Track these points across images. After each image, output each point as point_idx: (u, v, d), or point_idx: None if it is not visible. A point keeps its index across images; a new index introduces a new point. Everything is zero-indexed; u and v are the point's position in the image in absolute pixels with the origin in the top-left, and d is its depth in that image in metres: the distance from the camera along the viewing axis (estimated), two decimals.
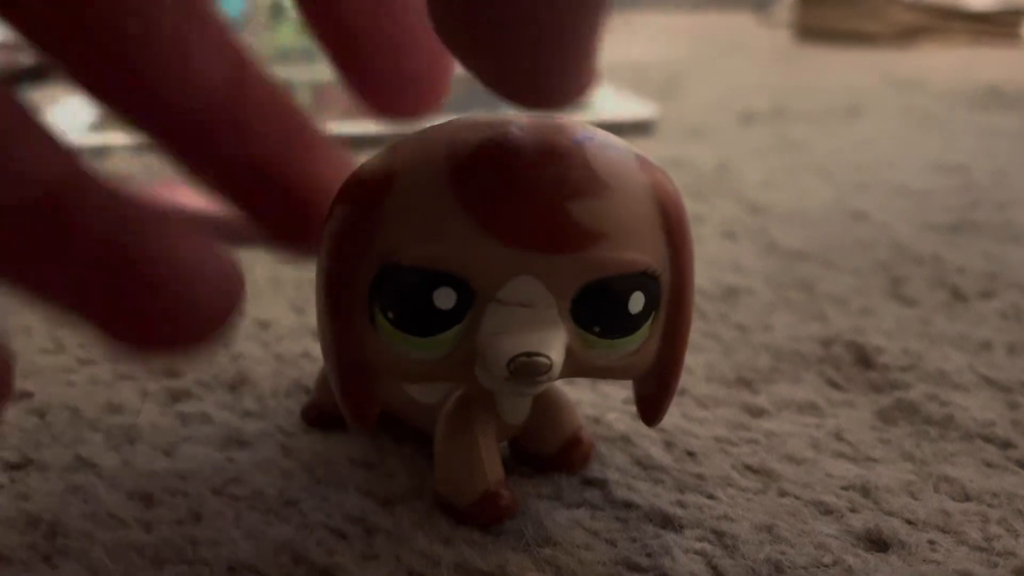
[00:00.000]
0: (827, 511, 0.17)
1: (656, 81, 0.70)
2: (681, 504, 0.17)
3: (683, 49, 0.95)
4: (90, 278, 0.11)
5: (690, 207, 0.15)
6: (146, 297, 0.11)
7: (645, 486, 0.17)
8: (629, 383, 0.16)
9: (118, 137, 0.42)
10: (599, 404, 0.21)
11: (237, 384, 0.21)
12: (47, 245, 0.11)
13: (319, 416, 0.20)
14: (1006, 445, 0.19)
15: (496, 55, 0.11)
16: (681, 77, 0.73)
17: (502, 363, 0.13)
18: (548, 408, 0.17)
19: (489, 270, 0.13)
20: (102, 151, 0.41)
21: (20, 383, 0.21)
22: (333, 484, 0.17)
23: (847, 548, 0.16)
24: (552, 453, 0.18)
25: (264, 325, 0.25)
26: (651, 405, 0.16)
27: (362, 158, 0.14)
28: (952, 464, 0.18)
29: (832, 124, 0.55)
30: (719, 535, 0.16)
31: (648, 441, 0.19)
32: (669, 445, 0.19)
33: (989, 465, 0.18)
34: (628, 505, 0.17)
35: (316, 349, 0.23)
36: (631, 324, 0.14)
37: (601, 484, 0.17)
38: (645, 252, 0.14)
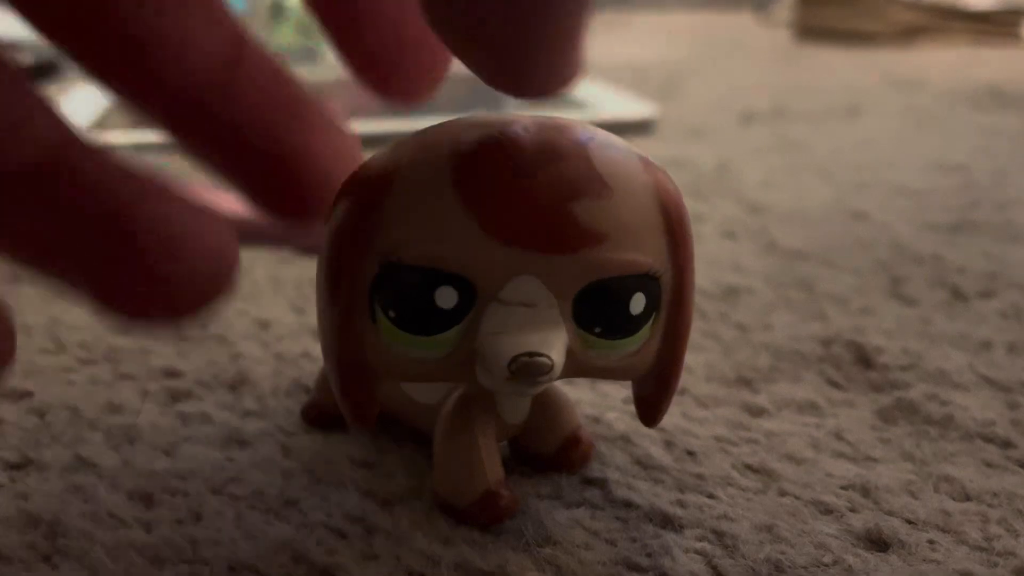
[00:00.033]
0: (827, 511, 0.17)
1: (656, 81, 0.70)
2: (681, 504, 0.17)
3: (683, 49, 0.95)
4: (84, 245, 0.11)
5: (690, 207, 0.15)
6: (140, 263, 0.11)
7: (645, 486, 0.17)
8: (629, 382, 0.16)
9: (118, 135, 0.42)
10: (599, 403, 0.21)
11: (237, 384, 0.21)
12: (41, 211, 0.11)
13: (319, 416, 0.20)
14: (1006, 445, 0.19)
15: (484, 45, 0.11)
16: (681, 77, 0.73)
17: (503, 363, 0.13)
18: (548, 408, 0.17)
19: (490, 270, 0.13)
20: None
21: (20, 383, 0.21)
22: (333, 484, 0.17)
23: (847, 548, 0.16)
24: (552, 453, 0.18)
25: (264, 325, 0.25)
26: (651, 405, 0.16)
27: (364, 157, 0.14)
28: (952, 464, 0.18)
29: (832, 124, 0.55)
30: (719, 535, 0.16)
31: (648, 441, 0.19)
32: (669, 445, 0.19)
33: (989, 465, 0.18)
34: (628, 505, 0.17)
35: (316, 349, 0.23)
36: (632, 325, 0.14)
37: (601, 484, 0.17)
38: (646, 253, 0.14)
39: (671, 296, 0.15)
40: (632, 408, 0.16)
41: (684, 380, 0.21)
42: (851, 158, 0.46)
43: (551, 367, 0.13)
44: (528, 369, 0.13)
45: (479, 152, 0.13)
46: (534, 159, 0.13)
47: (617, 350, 0.14)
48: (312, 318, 0.25)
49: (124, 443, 0.19)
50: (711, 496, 0.17)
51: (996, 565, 0.15)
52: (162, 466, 0.18)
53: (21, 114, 0.11)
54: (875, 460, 0.18)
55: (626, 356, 0.15)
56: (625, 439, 0.19)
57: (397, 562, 0.15)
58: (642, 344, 0.15)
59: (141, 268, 0.11)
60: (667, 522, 0.16)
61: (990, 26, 0.95)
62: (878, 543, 0.16)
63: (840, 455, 0.19)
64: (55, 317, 0.25)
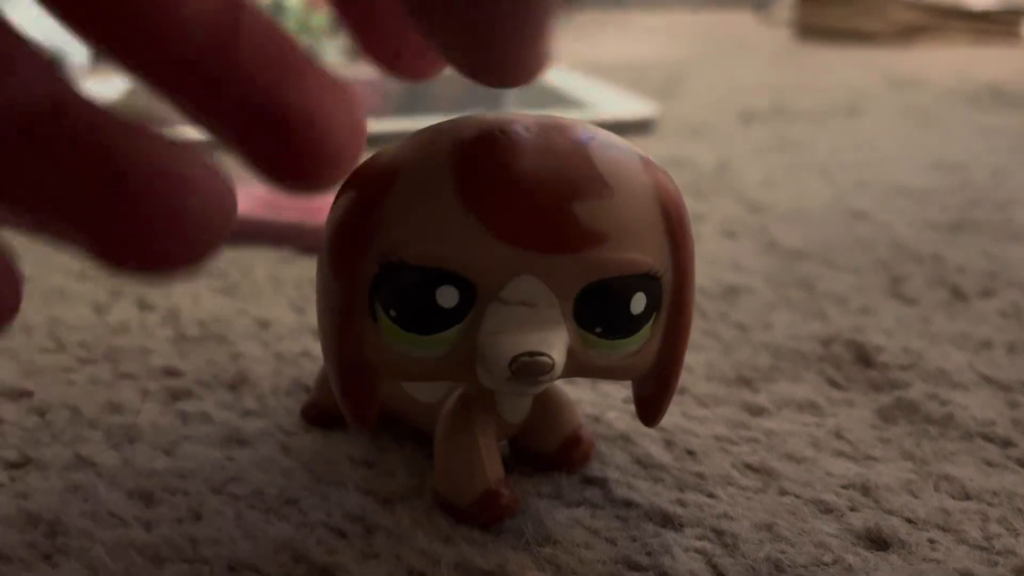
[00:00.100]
0: (827, 510, 0.17)
1: (656, 80, 0.70)
2: (681, 503, 0.17)
3: (683, 48, 0.95)
4: (79, 193, 0.11)
5: (690, 206, 0.15)
6: (136, 209, 0.11)
7: (645, 485, 0.17)
8: (629, 382, 0.16)
9: None
10: (599, 403, 0.21)
11: (237, 383, 0.21)
12: (33, 160, 0.11)
13: (319, 415, 0.20)
14: (1006, 444, 0.19)
15: (453, 33, 0.11)
16: (681, 76, 0.73)
17: (503, 362, 0.13)
18: (548, 407, 0.17)
19: (491, 269, 0.13)
20: None
21: (20, 382, 0.21)
22: (333, 483, 0.17)
23: (847, 547, 0.16)
24: (552, 452, 0.18)
25: (264, 324, 0.25)
26: (651, 405, 0.16)
27: (365, 156, 0.14)
28: (952, 463, 0.18)
29: (832, 123, 0.55)
30: (719, 534, 0.16)
31: (648, 440, 0.19)
32: (669, 444, 0.19)
33: (989, 464, 0.18)
34: (628, 504, 0.17)
35: (316, 348, 0.23)
36: (632, 325, 0.14)
37: (601, 483, 0.17)
38: (647, 253, 0.14)
39: (671, 296, 0.15)
40: (632, 407, 0.16)
41: (684, 379, 0.21)
42: (851, 158, 0.46)
43: (551, 367, 0.13)
44: (528, 369, 0.13)
45: (480, 152, 0.13)
46: (535, 159, 0.13)
47: (618, 350, 0.14)
48: (312, 318, 0.25)
49: (124, 442, 0.19)
50: (711, 495, 0.17)
51: (996, 564, 0.15)
52: (162, 465, 0.18)
53: (14, 65, 0.11)
54: (875, 459, 0.18)
55: (626, 356, 0.15)
56: (625, 438, 0.19)
57: (397, 561, 0.15)
58: (642, 344, 0.15)
59: (138, 214, 0.11)
60: (667, 521, 0.16)
61: (990, 25, 0.95)
62: (878, 542, 0.16)
63: (840, 454, 0.19)
64: (55, 317, 0.25)
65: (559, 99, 0.54)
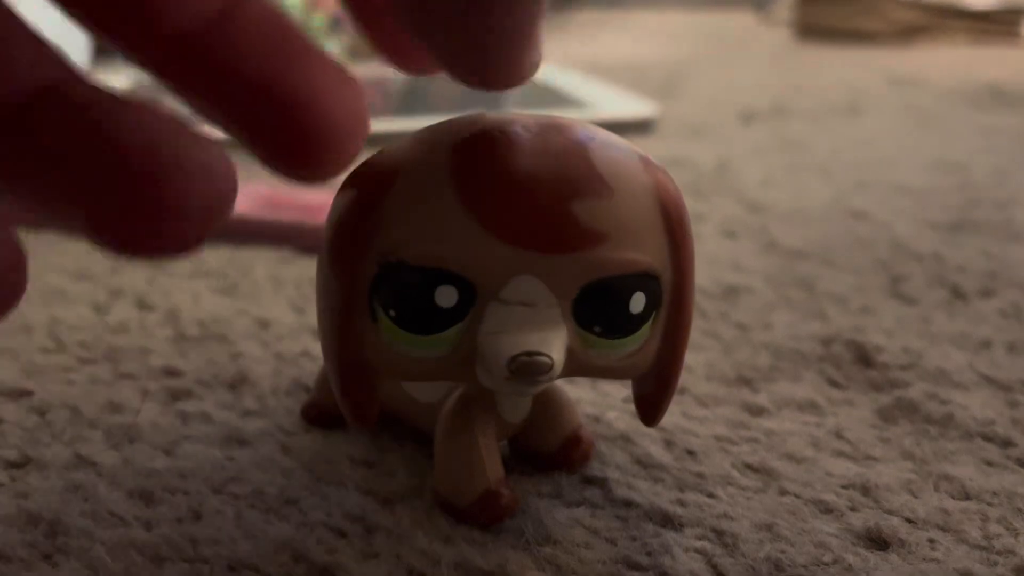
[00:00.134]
0: (827, 510, 0.17)
1: (656, 80, 0.70)
2: (681, 503, 0.17)
3: (683, 48, 0.95)
4: (78, 175, 0.11)
5: (690, 206, 0.15)
6: (135, 189, 0.11)
7: (645, 485, 0.17)
8: (629, 382, 0.16)
9: None
10: (599, 403, 0.21)
11: (237, 383, 0.21)
12: (36, 142, 0.11)
13: (319, 415, 0.20)
14: (1006, 444, 0.19)
15: (448, 40, 0.12)
16: (681, 76, 0.73)
17: (503, 362, 0.13)
18: (548, 407, 0.17)
19: (491, 269, 0.13)
20: None
21: (20, 382, 0.21)
22: (333, 483, 0.17)
23: (847, 547, 0.16)
24: (552, 452, 0.18)
25: (264, 324, 0.25)
26: (651, 405, 0.16)
27: (365, 156, 0.14)
28: (952, 463, 0.18)
29: (832, 123, 0.55)
30: (719, 533, 0.16)
31: (648, 440, 0.19)
32: (669, 444, 0.19)
33: (989, 464, 0.18)
34: (628, 504, 0.17)
35: (316, 348, 0.23)
36: (632, 324, 0.14)
37: (601, 483, 0.17)
38: (646, 252, 0.14)
39: (671, 295, 0.15)
40: (632, 407, 0.16)
41: (684, 379, 0.21)
42: (851, 157, 0.46)
43: (551, 366, 0.13)
44: (528, 368, 0.13)
45: (479, 152, 0.13)
46: (534, 159, 0.13)
47: (617, 349, 0.14)
48: (312, 317, 0.25)
49: (124, 442, 0.19)
50: (711, 495, 0.17)
51: (996, 564, 0.15)
52: (162, 465, 0.18)
53: (14, 47, 0.11)
54: (875, 459, 0.18)
55: (626, 355, 0.15)
56: (625, 438, 0.19)
57: (397, 561, 0.15)
58: (642, 343, 0.15)
59: (136, 192, 0.11)
60: (667, 521, 0.16)
61: (990, 25, 0.95)
62: (878, 542, 0.16)
63: (840, 454, 0.19)
64: (55, 316, 0.25)
65: (559, 99, 0.54)
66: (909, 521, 0.16)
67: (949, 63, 0.80)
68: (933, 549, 0.15)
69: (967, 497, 0.17)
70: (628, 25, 1.20)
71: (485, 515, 0.16)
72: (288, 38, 0.13)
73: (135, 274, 0.29)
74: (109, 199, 0.11)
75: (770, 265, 0.30)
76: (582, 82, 0.60)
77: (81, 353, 0.23)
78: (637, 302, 0.14)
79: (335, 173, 0.14)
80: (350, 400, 0.15)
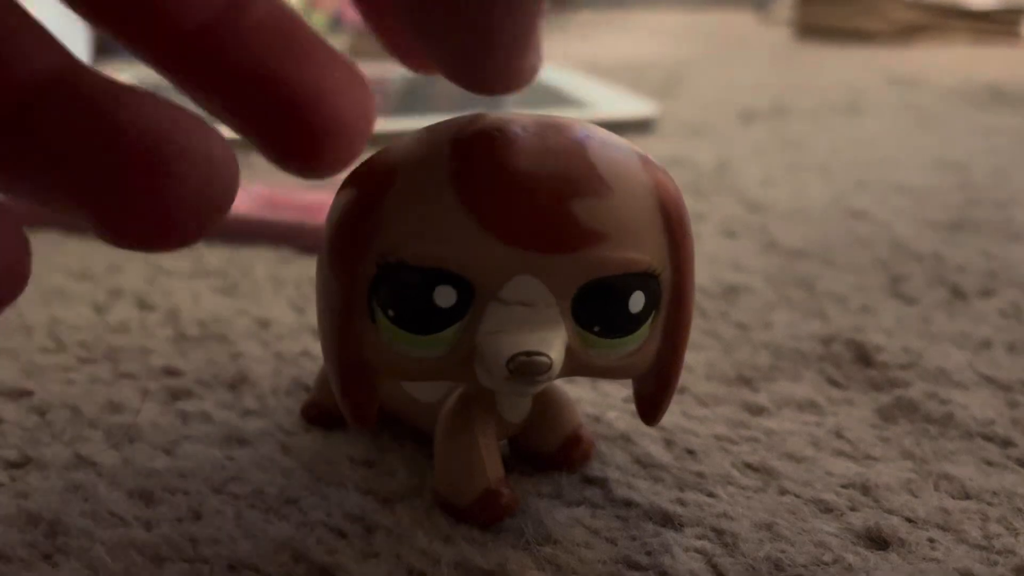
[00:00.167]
0: (827, 509, 0.17)
1: (656, 79, 0.70)
2: (681, 502, 0.17)
3: (683, 47, 0.95)
4: (81, 163, 0.11)
5: (690, 205, 0.15)
6: (140, 179, 0.11)
7: (645, 484, 0.17)
8: (629, 381, 0.16)
9: None
10: (599, 402, 0.21)
11: (237, 383, 0.21)
12: (40, 133, 0.11)
13: (319, 415, 0.20)
14: (1006, 443, 0.19)
15: (449, 46, 0.12)
16: (681, 75, 0.73)
17: (502, 362, 0.13)
18: (548, 406, 0.17)
19: (489, 269, 0.13)
20: None
21: (20, 382, 0.21)
22: (333, 482, 0.17)
23: (847, 546, 0.16)
24: (552, 451, 0.18)
25: (264, 324, 0.25)
26: (651, 404, 0.16)
27: (365, 156, 0.14)
28: (952, 462, 0.18)
29: (832, 122, 0.55)
30: (719, 533, 0.16)
31: (648, 439, 0.19)
32: (669, 443, 0.19)
33: (989, 463, 0.18)
34: (628, 503, 0.17)
35: (316, 348, 0.23)
36: (631, 324, 0.14)
37: (601, 482, 0.17)
38: (646, 252, 0.14)
39: (671, 295, 0.15)
40: (632, 407, 0.16)
41: (684, 379, 0.21)
42: (851, 157, 0.46)
43: (550, 366, 0.13)
44: (527, 368, 0.13)
45: (478, 151, 0.13)
46: (533, 158, 0.13)
47: (617, 349, 0.14)
48: (312, 317, 0.25)
49: (124, 442, 0.19)
50: (711, 494, 0.17)
51: (996, 564, 0.15)
52: (162, 465, 0.18)
53: (20, 39, 0.11)
54: (875, 458, 0.18)
55: (626, 355, 0.15)
56: (625, 438, 0.19)
57: (397, 560, 0.15)
58: (642, 343, 0.15)
59: (138, 181, 0.11)
60: (667, 520, 0.16)
61: (990, 25, 0.95)
62: (878, 541, 0.16)
63: (840, 453, 0.19)
64: (55, 316, 0.25)
65: (559, 99, 0.54)
66: (909, 521, 0.16)
67: (949, 63, 0.80)
68: (933, 549, 0.15)
69: (967, 497, 0.17)
70: (628, 25, 1.20)
71: (485, 515, 0.16)
72: (297, 35, 0.13)
73: (135, 274, 0.29)
74: (112, 192, 0.11)
75: (770, 265, 0.30)
76: (582, 82, 0.60)
77: (81, 353, 0.23)
78: (637, 301, 0.14)
79: (340, 169, 0.14)
80: (350, 400, 0.15)
